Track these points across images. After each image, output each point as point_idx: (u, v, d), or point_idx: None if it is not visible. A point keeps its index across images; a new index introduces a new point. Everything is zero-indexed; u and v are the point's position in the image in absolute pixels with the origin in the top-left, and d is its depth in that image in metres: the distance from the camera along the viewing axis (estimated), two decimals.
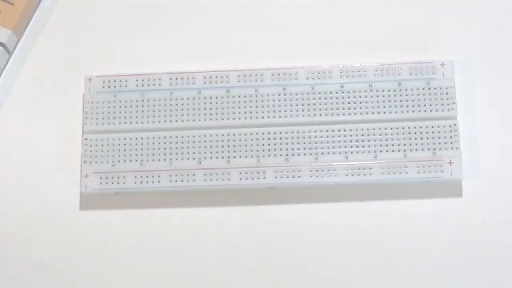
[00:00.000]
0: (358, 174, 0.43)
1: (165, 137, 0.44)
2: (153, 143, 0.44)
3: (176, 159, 0.44)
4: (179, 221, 0.44)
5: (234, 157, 0.43)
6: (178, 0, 0.47)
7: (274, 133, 0.44)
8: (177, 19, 0.47)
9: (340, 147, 0.43)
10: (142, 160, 0.44)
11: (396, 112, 0.43)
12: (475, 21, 0.46)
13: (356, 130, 0.43)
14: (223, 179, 0.43)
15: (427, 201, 0.44)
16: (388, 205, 0.44)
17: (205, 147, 0.44)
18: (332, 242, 0.43)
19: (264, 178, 0.43)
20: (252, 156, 0.43)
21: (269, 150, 0.43)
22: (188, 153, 0.44)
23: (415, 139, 0.43)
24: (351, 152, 0.43)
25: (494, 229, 0.43)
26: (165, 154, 0.44)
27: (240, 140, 0.44)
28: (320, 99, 0.44)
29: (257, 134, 0.44)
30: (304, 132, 0.44)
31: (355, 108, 0.44)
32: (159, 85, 0.45)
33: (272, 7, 0.47)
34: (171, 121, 0.44)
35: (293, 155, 0.43)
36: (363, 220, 0.44)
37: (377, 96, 0.44)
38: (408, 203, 0.44)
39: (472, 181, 0.43)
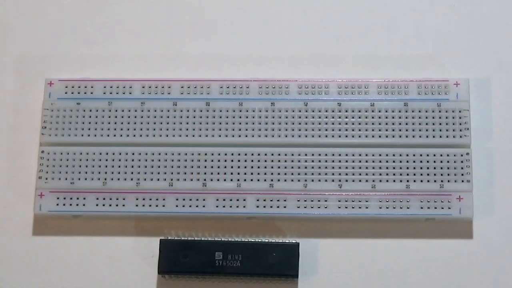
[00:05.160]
0: (353, 207, 0.42)
1: (133, 153, 0.43)
2: (119, 160, 0.43)
3: (145, 179, 0.42)
4: (146, 251, 0.43)
5: (211, 180, 0.42)
6: None
7: (259, 154, 0.42)
8: (152, 18, 0.46)
9: (333, 174, 0.42)
10: (105, 179, 0.43)
11: (400, 136, 0.42)
12: (494, 35, 0.45)
13: (353, 155, 0.42)
14: (197, 206, 0.42)
15: (431, 242, 0.42)
16: (385, 244, 0.42)
17: (179, 167, 0.43)
18: (319, 283, 0.42)
19: (244, 206, 0.42)
20: (231, 180, 0.42)
21: (251, 173, 0.42)
22: (158, 173, 0.43)
23: (420, 168, 0.42)
24: (346, 181, 0.42)
25: (509, 277, 0.41)
26: (132, 173, 0.43)
27: (219, 160, 0.43)
28: (313, 117, 0.43)
29: (239, 154, 0.43)
30: (293, 154, 0.42)
31: (353, 130, 0.42)
32: (130, 93, 0.44)
33: (262, 10, 0.46)
34: (141, 135, 0.43)
35: (278, 180, 0.42)
36: (355, 259, 0.42)
37: (379, 117, 0.43)
38: (408, 243, 0.42)
39: (484, 221, 0.42)
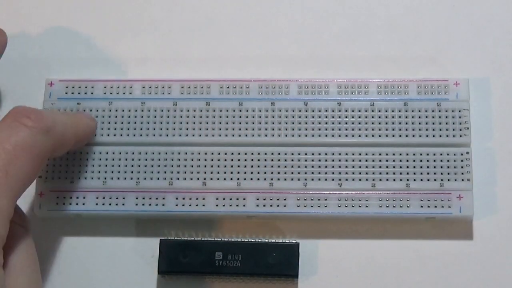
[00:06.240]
0: (353, 206, 0.41)
1: (133, 153, 0.43)
2: (119, 159, 0.43)
3: (145, 179, 0.42)
4: (146, 251, 0.43)
5: (211, 179, 0.42)
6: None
7: (259, 153, 0.42)
8: (152, 18, 0.46)
9: (333, 173, 0.42)
10: (105, 178, 0.42)
11: (400, 135, 0.42)
12: (494, 35, 0.45)
13: (353, 154, 0.42)
14: (197, 204, 0.42)
15: (431, 242, 0.42)
16: (385, 244, 0.42)
17: (179, 166, 0.42)
18: (319, 283, 0.42)
19: (244, 205, 0.42)
20: (231, 179, 0.42)
21: (251, 173, 0.42)
22: (158, 172, 0.42)
23: (420, 167, 0.41)
24: (346, 180, 0.41)
25: (510, 277, 0.41)
26: (131, 172, 0.42)
27: (219, 160, 0.42)
28: (313, 117, 0.42)
29: (239, 154, 0.42)
30: (293, 154, 0.42)
31: (353, 129, 0.42)
32: (130, 93, 0.43)
33: (262, 10, 0.46)
34: (141, 135, 0.43)
35: (278, 179, 0.42)
36: (355, 260, 0.42)
37: (379, 117, 0.42)
38: (408, 243, 0.42)
39: (485, 221, 0.42)
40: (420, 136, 0.42)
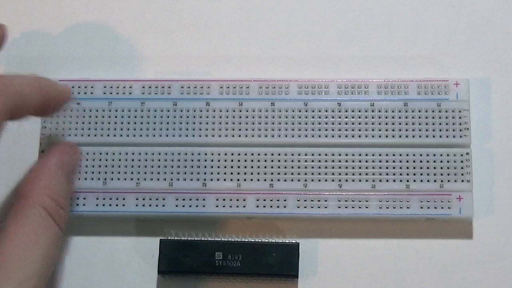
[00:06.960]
0: (353, 207, 0.41)
1: (133, 153, 0.42)
2: (119, 160, 0.42)
3: (145, 179, 0.42)
4: (146, 251, 0.43)
5: (211, 179, 0.42)
6: None
7: (259, 154, 0.42)
8: (152, 18, 0.46)
9: (333, 174, 0.42)
10: (105, 179, 0.42)
11: (400, 136, 0.42)
12: (494, 35, 0.44)
13: (353, 155, 0.42)
14: (197, 205, 0.42)
15: (431, 242, 0.42)
16: (385, 244, 0.42)
17: (178, 166, 0.42)
18: (319, 283, 0.42)
19: (244, 206, 0.41)
20: (231, 180, 0.42)
21: (251, 173, 0.42)
22: (158, 173, 0.42)
23: (420, 168, 0.41)
24: (346, 180, 0.41)
25: (510, 277, 0.41)
26: (132, 172, 0.42)
27: (219, 160, 0.42)
28: (313, 117, 0.42)
29: (239, 154, 0.42)
30: (293, 154, 0.42)
31: (353, 130, 0.42)
32: (130, 93, 0.43)
33: (262, 10, 0.46)
34: (141, 135, 0.43)
35: (278, 180, 0.42)
36: (355, 259, 0.42)
37: (379, 117, 0.42)
38: (408, 243, 0.42)
39: (484, 221, 0.42)
40: (420, 136, 0.42)
